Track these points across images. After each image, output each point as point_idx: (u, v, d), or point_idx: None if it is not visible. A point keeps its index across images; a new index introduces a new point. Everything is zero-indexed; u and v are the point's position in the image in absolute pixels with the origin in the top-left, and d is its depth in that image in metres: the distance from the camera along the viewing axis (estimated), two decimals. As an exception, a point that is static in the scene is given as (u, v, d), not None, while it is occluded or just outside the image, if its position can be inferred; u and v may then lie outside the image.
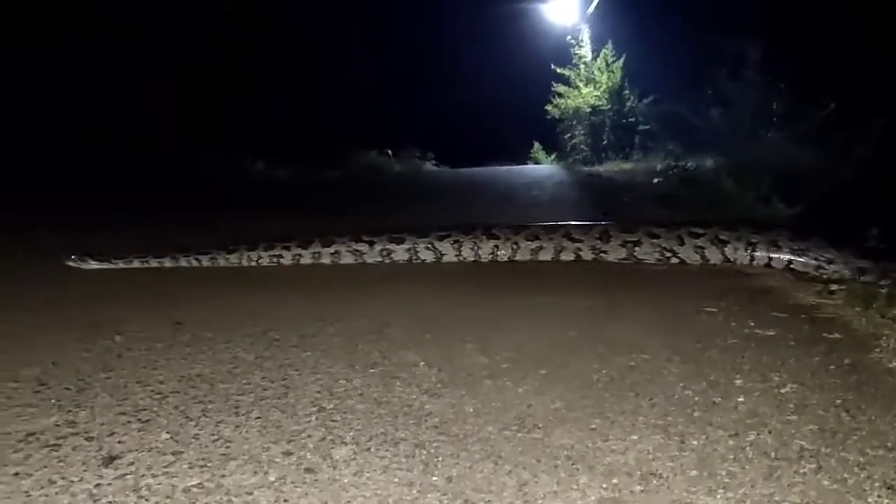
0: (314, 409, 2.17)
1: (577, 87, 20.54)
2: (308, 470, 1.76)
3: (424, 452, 1.85)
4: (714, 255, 4.32)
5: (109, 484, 1.69)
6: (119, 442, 1.93)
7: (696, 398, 2.22)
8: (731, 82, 11.06)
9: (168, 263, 4.69)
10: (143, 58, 15.33)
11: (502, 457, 1.82)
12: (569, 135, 21.63)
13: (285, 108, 21.01)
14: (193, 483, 1.69)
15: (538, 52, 22.76)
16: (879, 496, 1.62)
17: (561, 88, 21.11)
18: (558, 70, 20.93)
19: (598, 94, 19.92)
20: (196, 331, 3.09)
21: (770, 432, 1.96)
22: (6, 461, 1.83)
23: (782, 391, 2.27)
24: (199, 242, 4.96)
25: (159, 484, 1.69)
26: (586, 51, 20.55)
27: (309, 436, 1.96)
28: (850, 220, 5.12)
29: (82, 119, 13.49)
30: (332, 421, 2.07)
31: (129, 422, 2.08)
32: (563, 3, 22.07)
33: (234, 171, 16.01)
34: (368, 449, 1.88)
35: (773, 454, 1.82)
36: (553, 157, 24.25)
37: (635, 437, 1.93)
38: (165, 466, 1.78)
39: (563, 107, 21.31)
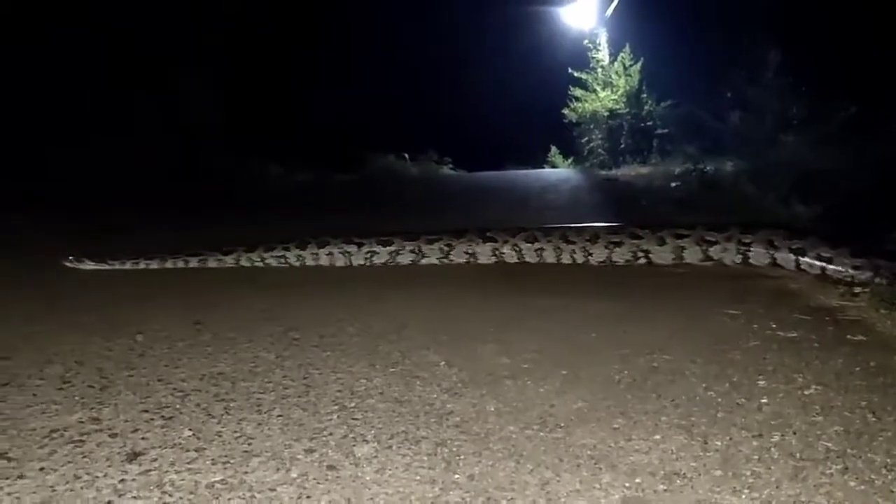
0: (335, 407, 2.17)
1: (594, 91, 20.49)
2: (330, 467, 1.76)
3: (446, 451, 1.85)
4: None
5: (133, 479, 1.70)
6: (143, 438, 1.95)
7: (719, 399, 2.20)
8: (750, 85, 10.98)
9: (156, 265, 4.77)
10: (167, 64, 15.46)
11: (524, 455, 1.81)
12: (586, 139, 21.57)
13: (305, 112, 21.10)
14: (216, 479, 1.70)
15: (556, 56, 22.72)
16: (908, 497, 1.60)
17: (578, 92, 21.05)
18: (576, 74, 20.89)
19: (616, 97, 19.85)
20: (216, 330, 3.11)
21: (795, 433, 1.94)
22: (32, 456, 1.84)
23: (806, 393, 2.25)
24: (207, 246, 4.99)
25: (182, 480, 1.70)
26: (604, 54, 20.49)
27: (331, 433, 1.96)
28: (871, 223, 5.07)
29: (104, 122, 13.62)
30: (354, 419, 2.07)
31: (152, 419, 2.09)
32: (580, 7, 22.03)
33: (253, 176, 16.12)
34: (390, 447, 1.88)
35: (798, 455, 1.81)
36: (570, 161, 24.20)
37: (658, 437, 1.92)
38: (188, 463, 1.79)
39: (580, 111, 21.24)
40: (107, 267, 4.73)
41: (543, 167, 24.45)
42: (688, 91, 15.82)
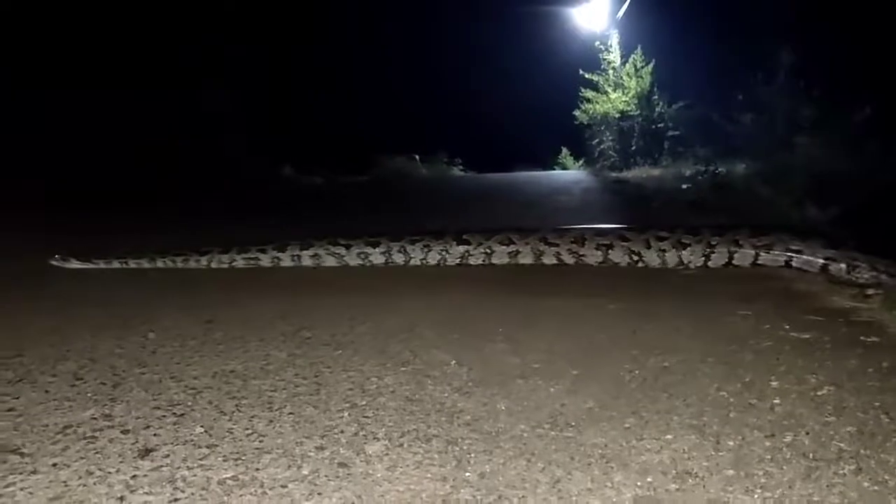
0: (346, 405, 2.17)
1: (605, 93, 20.47)
2: (341, 464, 1.76)
3: (457, 449, 1.85)
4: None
5: (145, 475, 1.71)
6: (154, 435, 1.95)
7: (731, 399, 2.19)
8: (763, 86, 10.93)
9: (146, 264, 4.83)
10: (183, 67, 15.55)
11: (535, 454, 1.81)
12: (597, 140, 21.56)
13: (315, 114, 21.16)
14: (228, 475, 1.70)
15: (567, 58, 22.73)
16: (922, 498, 1.59)
17: (589, 94, 21.04)
18: (587, 75, 20.87)
19: (627, 99, 19.83)
20: (228, 329, 3.12)
21: (808, 434, 1.92)
22: (45, 452, 1.85)
23: (819, 393, 2.24)
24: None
25: (194, 476, 1.71)
26: (615, 56, 20.46)
27: (342, 431, 1.97)
28: (886, 226, 5.04)
29: (123, 124, 13.70)
30: (365, 417, 2.07)
31: (163, 416, 2.10)
32: (592, 9, 22.00)
33: (263, 177, 16.19)
34: (401, 445, 1.88)
35: (811, 455, 1.80)
36: (581, 162, 24.19)
37: (670, 437, 1.91)
38: (200, 459, 1.79)
39: (591, 112, 21.24)
40: (92, 266, 4.80)
41: (554, 169, 24.46)
42: (699, 93, 15.78)
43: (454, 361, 2.62)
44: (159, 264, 4.83)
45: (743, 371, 2.46)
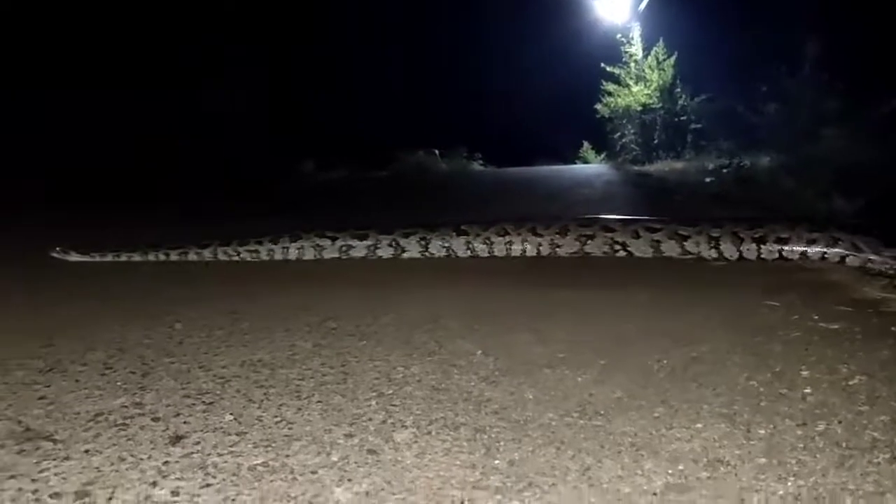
0: (373, 394, 2.18)
1: (627, 86, 20.34)
2: (370, 451, 1.76)
3: (485, 437, 1.85)
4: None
5: (177, 462, 1.72)
6: (185, 422, 1.97)
7: (761, 389, 2.17)
8: (788, 78, 10.80)
9: (138, 258, 4.90)
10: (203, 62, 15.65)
11: (564, 442, 1.80)
12: (618, 134, 21.44)
13: (336, 109, 21.21)
14: (258, 462, 1.71)
15: (588, 51, 22.59)
16: (959, 487, 1.56)
17: (611, 87, 20.93)
18: (608, 68, 20.75)
19: (649, 92, 19.70)
20: (253, 320, 3.14)
21: (840, 423, 1.90)
22: (77, 439, 1.87)
23: (850, 383, 2.21)
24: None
25: (225, 462, 1.72)
26: (637, 48, 20.33)
27: (370, 419, 1.97)
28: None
29: (142, 121, 13.81)
30: (392, 405, 2.08)
31: (193, 404, 2.11)
32: (613, 1, 21.85)
33: (284, 173, 16.27)
34: (429, 432, 1.88)
35: (844, 444, 1.77)
36: (602, 156, 24.06)
37: (700, 426, 1.89)
38: (231, 446, 1.80)
39: (612, 105, 21.13)
40: (89, 259, 4.89)
41: (575, 163, 24.35)
42: (722, 85, 15.63)
43: (479, 351, 2.62)
44: (161, 257, 4.91)
45: (772, 361, 2.43)
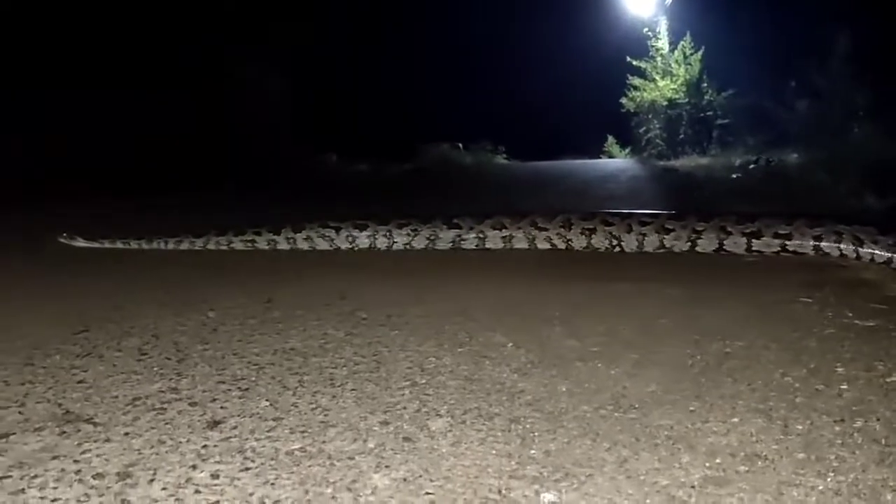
0: (407, 383, 2.19)
1: (653, 80, 20.20)
2: (406, 439, 1.77)
3: (520, 427, 1.85)
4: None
5: (215, 445, 1.74)
6: (221, 408, 1.99)
7: (797, 385, 2.15)
8: (818, 73, 10.66)
9: (145, 245, 5.00)
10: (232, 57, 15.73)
11: (600, 434, 1.80)
12: (644, 128, 21.31)
13: (360, 102, 21.26)
14: (296, 447, 1.73)
15: (613, 45, 22.44)
16: None
17: (636, 81, 20.79)
18: (634, 62, 20.60)
19: (676, 87, 19.55)
20: (286, 308, 3.17)
21: (878, 419, 1.88)
22: (116, 422, 1.90)
23: (888, 380, 2.18)
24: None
25: (263, 447, 1.73)
26: (663, 43, 20.17)
27: (404, 408, 1.98)
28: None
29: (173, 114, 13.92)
30: (426, 395, 2.08)
31: (229, 389, 2.14)
32: (640, -6, 21.69)
33: (308, 165, 16.35)
34: (464, 422, 1.88)
35: (883, 441, 1.75)
36: (627, 151, 23.91)
37: (736, 420, 1.88)
38: (268, 431, 1.82)
39: (638, 100, 20.99)
40: (97, 245, 5.01)
41: (600, 157, 24.21)
42: (750, 80, 15.48)
43: (511, 343, 2.62)
44: (162, 245, 4.99)
45: (807, 357, 2.41)
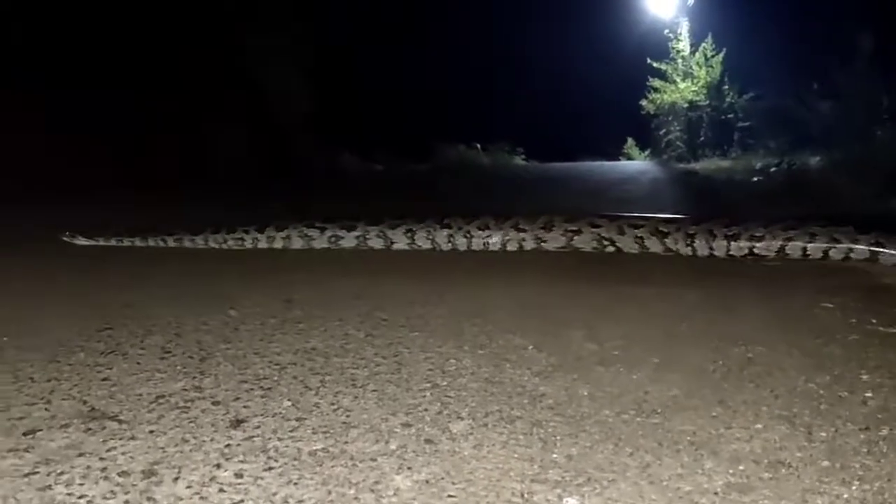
0: (428, 385, 2.19)
1: (673, 82, 20.10)
2: (428, 441, 1.78)
3: (542, 431, 1.85)
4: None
5: (239, 444, 1.76)
6: (244, 407, 2.00)
7: (821, 391, 2.13)
8: (841, 74, 10.56)
9: (139, 243, 5.07)
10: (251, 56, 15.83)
11: (622, 439, 1.80)
12: (664, 131, 21.19)
13: (378, 102, 21.28)
14: (318, 447, 1.74)
15: (634, 47, 22.35)
16: None
17: (657, 83, 20.70)
18: (654, 64, 20.51)
19: (696, 89, 19.44)
20: (306, 308, 3.18)
21: (904, 428, 1.87)
22: (141, 420, 1.92)
23: (914, 389, 2.16)
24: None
25: (286, 447, 1.74)
26: (684, 45, 20.06)
27: (425, 409, 1.99)
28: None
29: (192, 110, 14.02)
30: (447, 397, 2.09)
31: (251, 389, 2.15)
32: (661, -4, 21.58)
33: (328, 165, 16.41)
34: (485, 425, 1.88)
35: (909, 450, 1.74)
36: (647, 153, 23.80)
37: (759, 426, 1.87)
38: (290, 431, 1.83)
39: (658, 102, 20.89)
40: (94, 243, 5.07)
41: (619, 159, 24.10)
42: (772, 82, 15.36)
43: (531, 346, 2.62)
44: (160, 243, 5.05)
45: (831, 364, 2.39)
